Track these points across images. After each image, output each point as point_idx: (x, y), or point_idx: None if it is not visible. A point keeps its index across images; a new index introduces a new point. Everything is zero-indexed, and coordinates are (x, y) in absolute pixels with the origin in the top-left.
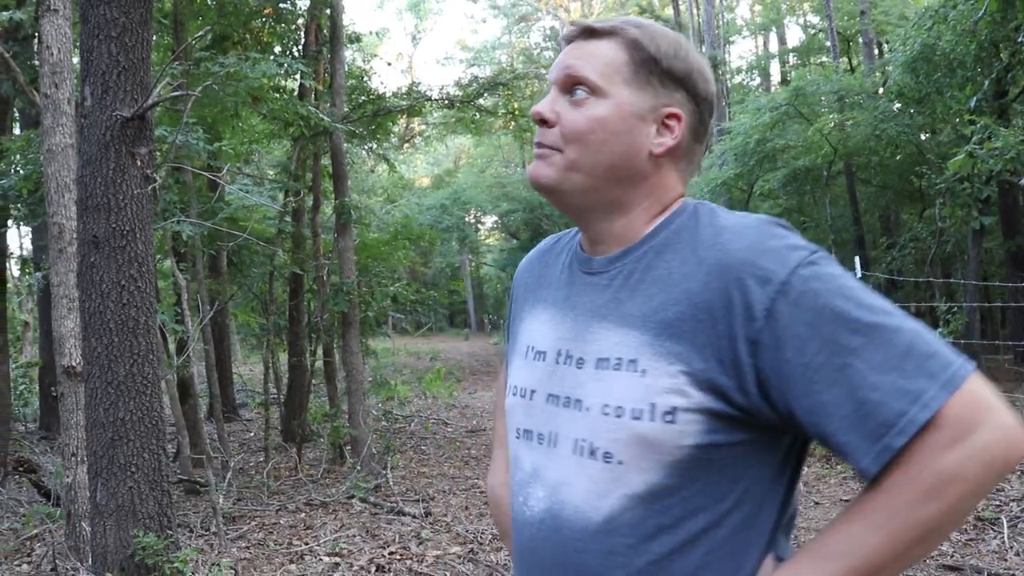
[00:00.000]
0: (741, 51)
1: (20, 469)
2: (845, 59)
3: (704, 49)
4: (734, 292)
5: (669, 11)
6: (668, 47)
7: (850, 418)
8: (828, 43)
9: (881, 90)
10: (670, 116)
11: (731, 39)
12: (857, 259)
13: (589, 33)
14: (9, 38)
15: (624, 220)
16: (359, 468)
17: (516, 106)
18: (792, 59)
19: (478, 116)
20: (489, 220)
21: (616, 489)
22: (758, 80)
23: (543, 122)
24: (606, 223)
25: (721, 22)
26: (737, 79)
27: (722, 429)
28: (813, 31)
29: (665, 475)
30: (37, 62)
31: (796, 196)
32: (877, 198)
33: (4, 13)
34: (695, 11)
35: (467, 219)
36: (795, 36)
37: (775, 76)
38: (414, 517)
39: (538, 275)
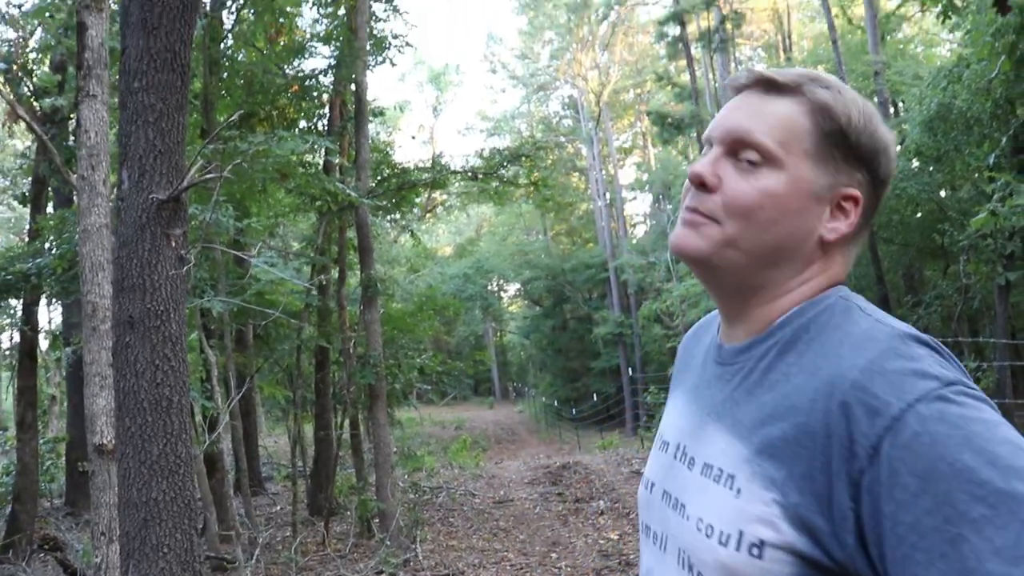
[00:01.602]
0: None
1: (46, 547)
2: None
3: None
4: (838, 420)
5: (685, 77)
6: (860, 119)
7: None
8: None
9: (899, 149)
10: (847, 198)
11: None
12: None
13: (767, 85)
14: (47, 121)
15: (767, 307)
16: (388, 542)
17: (537, 176)
18: None
19: (500, 186)
20: (512, 288)
21: None
22: None
23: (702, 185)
24: (745, 307)
25: None
26: None
27: None
28: None
29: None
30: (73, 144)
31: None
32: (900, 256)
33: (46, 100)
34: (711, 76)
35: (490, 287)
36: None
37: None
38: None
39: (687, 357)
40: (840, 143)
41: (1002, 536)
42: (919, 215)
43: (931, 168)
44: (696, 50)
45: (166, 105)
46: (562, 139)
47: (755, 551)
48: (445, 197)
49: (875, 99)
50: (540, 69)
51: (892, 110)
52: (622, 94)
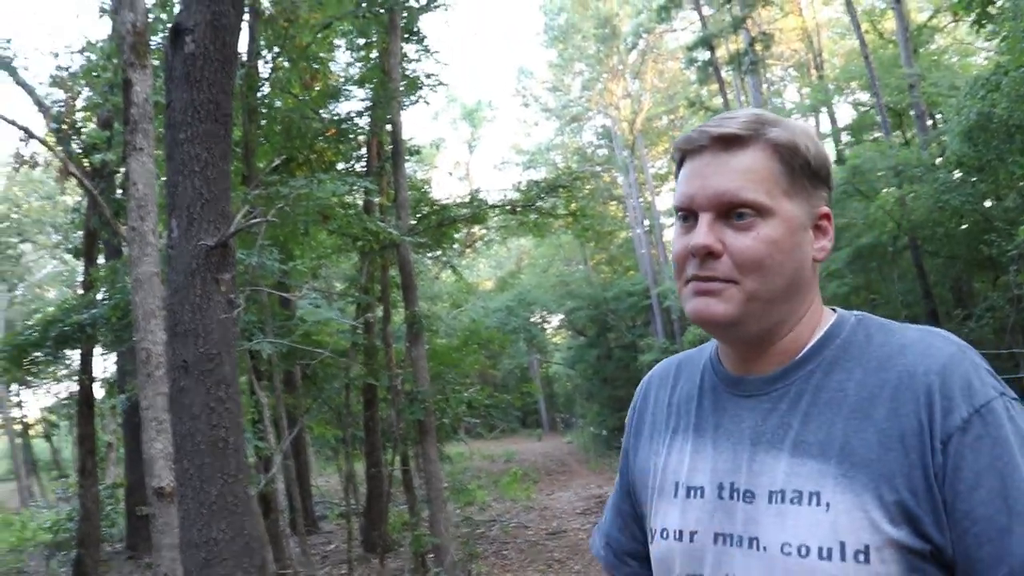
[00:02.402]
0: None
1: None
2: (898, 133)
3: None
4: (924, 417)
5: (718, 100)
6: (811, 145)
7: None
8: (879, 119)
9: (939, 161)
10: (822, 217)
11: None
12: None
13: (727, 141)
14: (96, 176)
15: (790, 336)
16: None
17: (575, 206)
18: (845, 137)
19: (539, 218)
20: (555, 319)
21: None
22: None
23: (710, 254)
24: (769, 342)
25: (770, 107)
26: None
27: (920, 568)
28: (863, 108)
29: None
30: (122, 196)
31: (862, 274)
32: (947, 269)
33: (95, 156)
34: (743, 99)
35: (533, 319)
36: (846, 115)
37: (830, 156)
38: None
39: (669, 399)
40: (805, 173)
41: None
42: (964, 227)
43: (973, 179)
44: (727, 73)
45: (211, 154)
46: (598, 169)
47: (861, 557)
48: (484, 232)
49: (911, 112)
50: (572, 100)
51: (930, 122)
52: (655, 121)
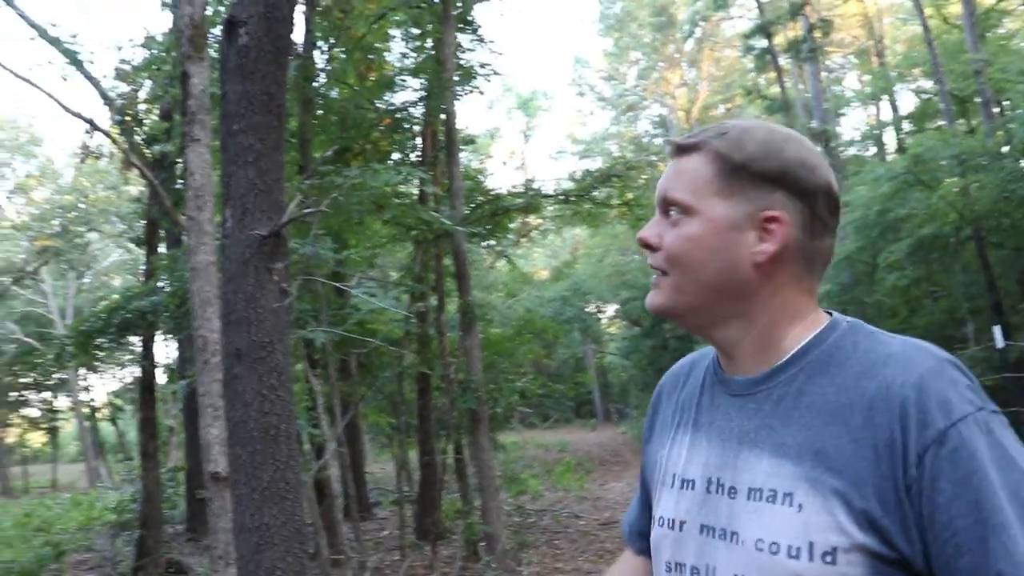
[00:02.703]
0: (853, 122)
1: (171, 571)
2: (962, 121)
3: (814, 124)
4: (896, 429)
5: (775, 89)
6: (757, 149)
7: None
8: (942, 106)
9: (1006, 149)
10: (769, 220)
11: (841, 111)
12: (997, 328)
13: (680, 150)
14: (157, 167)
15: (753, 336)
16: (494, 565)
17: (630, 196)
18: (907, 126)
19: (593, 208)
20: (610, 309)
21: None
22: (873, 150)
23: (647, 246)
24: (731, 339)
25: (830, 95)
26: (851, 151)
27: (886, 573)
28: (926, 96)
29: None
30: (181, 187)
31: (923, 266)
32: (1013, 261)
33: (156, 147)
34: (801, 86)
35: (588, 309)
36: (908, 102)
37: (890, 145)
38: None
39: (678, 396)
40: (743, 175)
41: (1014, 543)
42: None
43: None
44: (785, 61)
45: (264, 145)
46: (653, 158)
47: (828, 558)
48: (540, 221)
49: (977, 99)
50: (628, 89)
51: (996, 109)
52: (712, 110)
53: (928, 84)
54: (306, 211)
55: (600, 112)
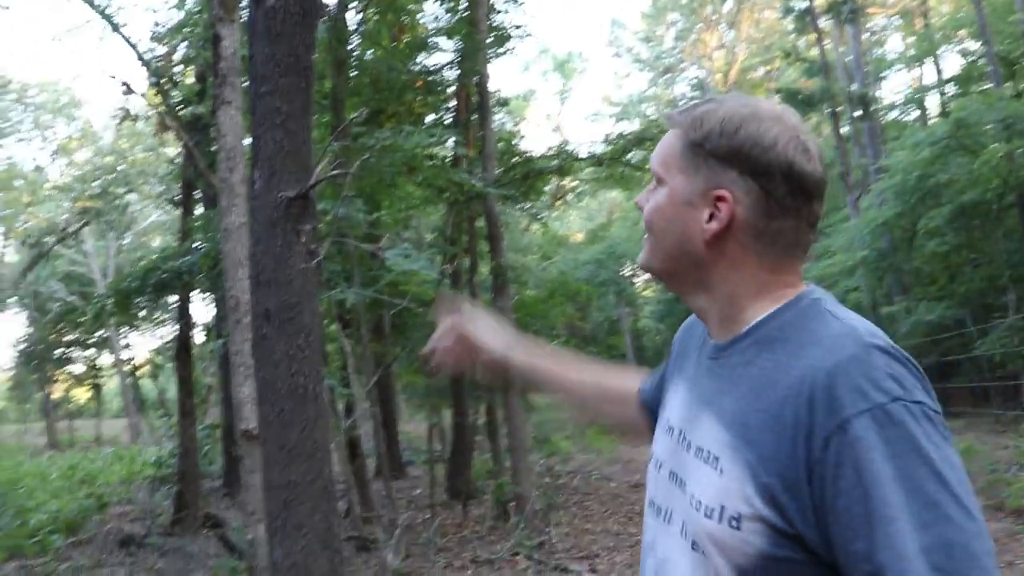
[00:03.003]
0: (894, 86)
1: (208, 524)
2: (1009, 84)
3: (855, 87)
4: (805, 412)
5: (815, 51)
6: (713, 126)
7: None
8: (989, 69)
9: None
10: (719, 199)
11: (883, 75)
12: None
13: (667, 126)
14: (192, 128)
15: (718, 306)
16: (523, 525)
17: None
18: (950, 89)
19: (626, 171)
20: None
21: None
22: (915, 114)
23: (641, 209)
24: (701, 307)
25: (871, 57)
26: (892, 115)
27: (783, 544)
28: (972, 58)
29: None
30: (215, 148)
31: (964, 232)
32: None
33: (187, 108)
34: (841, 49)
35: (623, 272)
36: (953, 65)
37: (932, 109)
38: (579, 574)
39: (684, 347)
40: (700, 152)
41: (899, 536)
42: None
43: None
44: (825, 22)
45: (292, 107)
46: None
47: (734, 523)
48: (574, 184)
49: None
50: (665, 51)
51: None
52: (750, 72)
53: (974, 46)
54: (333, 172)
55: (637, 74)
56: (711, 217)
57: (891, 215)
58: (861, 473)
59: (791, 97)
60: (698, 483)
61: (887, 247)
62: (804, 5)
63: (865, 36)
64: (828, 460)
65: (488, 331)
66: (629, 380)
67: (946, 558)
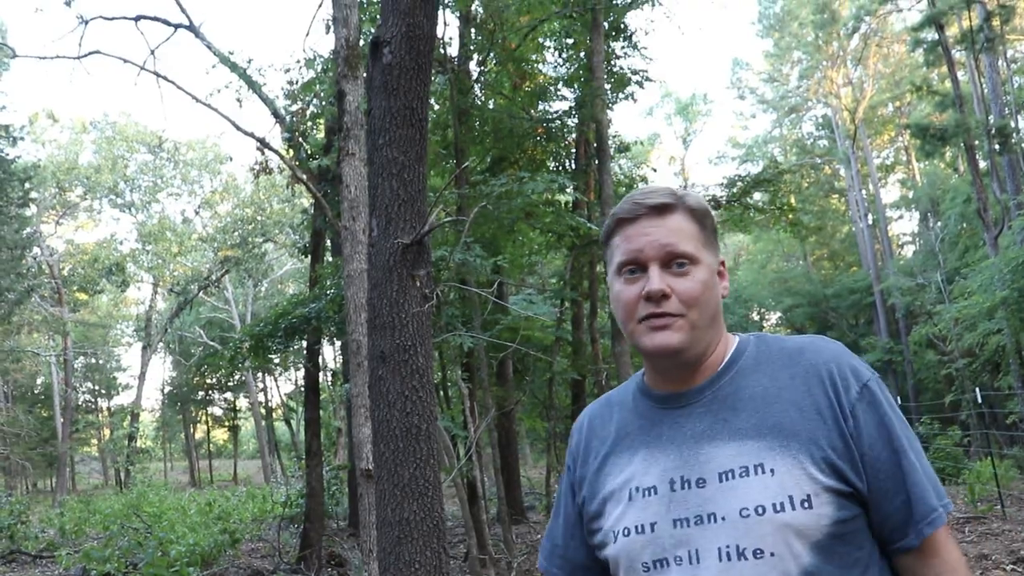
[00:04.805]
0: None
1: (332, 563)
2: None
3: (991, 120)
4: (831, 393)
5: (948, 84)
6: (706, 208)
7: (904, 506)
8: None
9: None
10: (722, 263)
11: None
12: None
13: (660, 210)
14: (321, 179)
15: (704, 356)
16: None
17: (791, 201)
18: None
19: (743, 213)
20: (773, 317)
21: None
22: None
23: (664, 296)
24: (700, 362)
25: (1010, 88)
26: None
27: (846, 505)
28: None
29: (813, 556)
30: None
31: None
32: None
33: (314, 161)
34: (978, 81)
35: (751, 316)
36: None
37: None
38: None
39: (610, 431)
40: (708, 228)
41: (911, 463)
42: None
43: None
44: (958, 54)
45: (407, 157)
46: (818, 160)
47: (806, 504)
48: None
49: None
50: (790, 91)
51: None
52: (879, 108)
53: None
54: (447, 219)
55: (761, 115)
56: (721, 278)
57: None
58: (879, 426)
59: (921, 132)
60: (747, 495)
61: None
62: (935, 36)
63: (1003, 65)
64: (859, 423)
65: None
66: None
67: (930, 474)
